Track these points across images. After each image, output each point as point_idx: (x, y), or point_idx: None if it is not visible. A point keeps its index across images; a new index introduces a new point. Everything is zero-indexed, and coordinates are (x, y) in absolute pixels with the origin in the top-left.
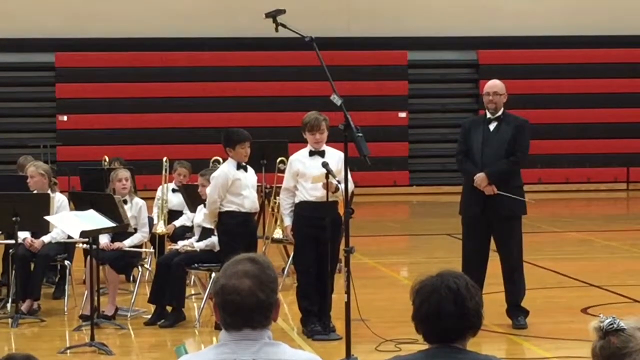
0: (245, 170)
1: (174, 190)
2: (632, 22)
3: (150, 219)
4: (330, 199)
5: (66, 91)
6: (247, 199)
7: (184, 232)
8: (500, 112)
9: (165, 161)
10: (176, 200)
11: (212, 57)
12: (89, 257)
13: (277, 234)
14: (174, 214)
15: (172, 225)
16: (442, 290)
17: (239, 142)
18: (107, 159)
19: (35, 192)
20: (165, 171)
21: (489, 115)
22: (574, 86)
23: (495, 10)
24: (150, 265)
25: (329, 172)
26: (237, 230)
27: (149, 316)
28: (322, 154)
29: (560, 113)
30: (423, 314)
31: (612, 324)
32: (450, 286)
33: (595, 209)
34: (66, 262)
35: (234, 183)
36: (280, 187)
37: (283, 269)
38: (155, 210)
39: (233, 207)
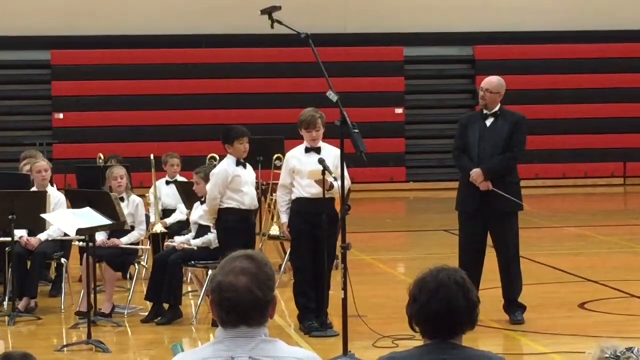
0: (244, 166)
1: (167, 182)
2: (629, 16)
3: (147, 217)
4: (326, 196)
5: (62, 89)
6: (247, 196)
7: (180, 228)
8: (497, 108)
9: (153, 158)
10: (171, 194)
11: (208, 53)
12: (85, 255)
13: (274, 230)
14: (166, 212)
15: (164, 221)
16: (451, 285)
17: (237, 137)
18: (101, 157)
19: (33, 189)
20: (154, 168)
21: (485, 111)
22: (571, 81)
23: (491, 5)
24: (146, 263)
25: (325, 169)
26: (237, 227)
27: (146, 313)
28: (318, 150)
29: (557, 108)
30: (431, 310)
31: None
32: (457, 280)
33: (593, 204)
34: (62, 260)
35: (233, 179)
36: (276, 184)
37: (280, 266)
38: (151, 209)
39: (233, 204)
